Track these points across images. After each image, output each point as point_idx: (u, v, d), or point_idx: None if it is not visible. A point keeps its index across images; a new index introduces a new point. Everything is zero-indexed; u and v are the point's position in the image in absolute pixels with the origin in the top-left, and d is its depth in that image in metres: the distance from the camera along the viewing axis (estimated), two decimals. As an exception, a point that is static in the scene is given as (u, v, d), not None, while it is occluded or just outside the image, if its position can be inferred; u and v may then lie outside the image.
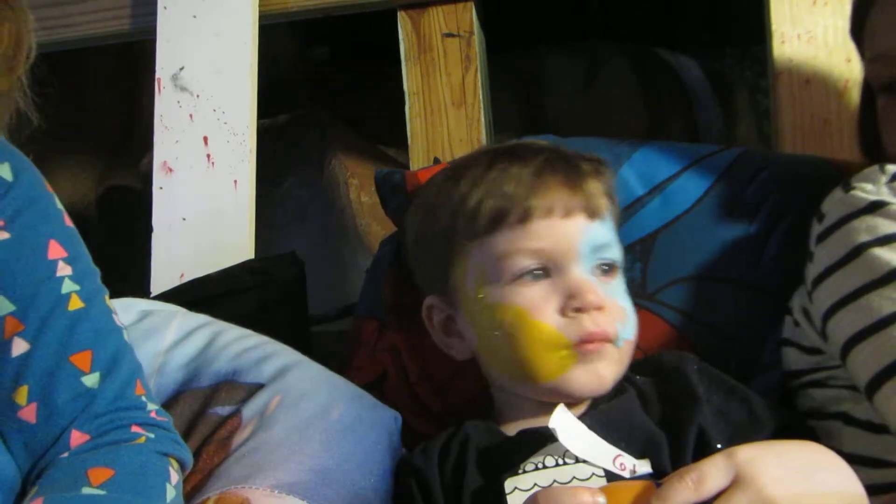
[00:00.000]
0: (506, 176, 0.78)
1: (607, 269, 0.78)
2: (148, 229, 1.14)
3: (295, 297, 1.07)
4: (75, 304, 0.72)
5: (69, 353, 0.70)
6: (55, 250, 0.73)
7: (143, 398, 0.73)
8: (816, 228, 0.81)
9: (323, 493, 0.72)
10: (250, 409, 0.79)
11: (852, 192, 0.78)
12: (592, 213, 0.78)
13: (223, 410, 0.79)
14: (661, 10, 1.87)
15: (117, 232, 0.78)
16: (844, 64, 1.10)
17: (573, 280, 0.75)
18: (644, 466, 0.68)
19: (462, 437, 0.78)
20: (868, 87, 0.89)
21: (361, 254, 1.48)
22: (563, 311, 0.75)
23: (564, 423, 0.67)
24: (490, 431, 0.78)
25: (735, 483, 0.57)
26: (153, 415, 0.72)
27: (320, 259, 1.42)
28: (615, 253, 0.79)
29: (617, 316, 0.76)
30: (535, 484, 0.70)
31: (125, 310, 0.85)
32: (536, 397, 0.78)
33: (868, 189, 0.78)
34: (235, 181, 1.13)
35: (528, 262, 0.76)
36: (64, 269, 0.73)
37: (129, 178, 1.68)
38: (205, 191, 1.14)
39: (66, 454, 0.68)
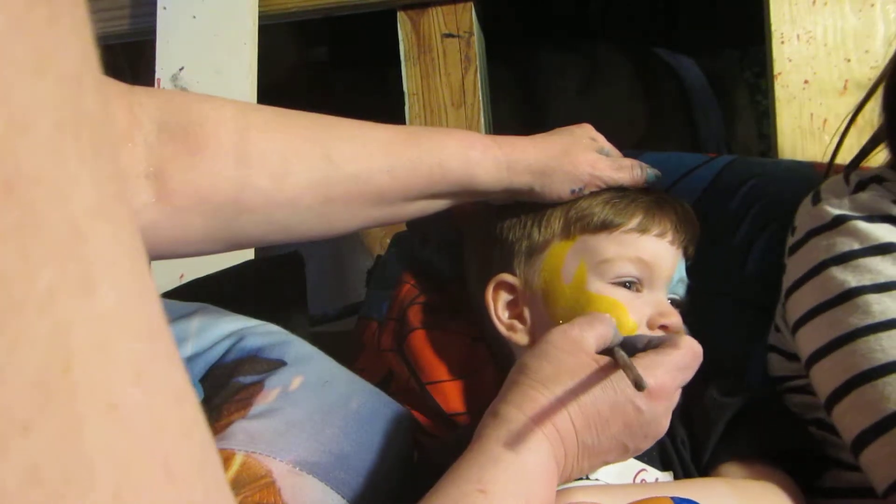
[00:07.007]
0: (627, 194, 0.83)
1: (676, 303, 0.83)
2: (148, 229, 1.14)
3: (295, 297, 1.07)
4: None
5: None
6: None
7: None
8: (789, 240, 0.82)
9: (340, 476, 0.74)
10: (273, 380, 0.81)
11: (819, 206, 0.79)
12: (686, 253, 0.85)
13: (246, 380, 0.82)
14: (661, 10, 1.87)
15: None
16: (844, 64, 1.10)
17: (664, 300, 0.81)
18: (667, 479, 0.68)
19: None
20: None
21: (361, 254, 1.48)
22: (650, 323, 0.79)
23: None
24: None
25: None
26: None
27: (320, 259, 1.41)
28: (685, 291, 0.85)
29: None
30: None
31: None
32: None
33: (833, 203, 0.79)
34: (235, 181, 1.13)
35: (632, 270, 0.80)
36: None
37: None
38: (205, 191, 1.13)
39: None
